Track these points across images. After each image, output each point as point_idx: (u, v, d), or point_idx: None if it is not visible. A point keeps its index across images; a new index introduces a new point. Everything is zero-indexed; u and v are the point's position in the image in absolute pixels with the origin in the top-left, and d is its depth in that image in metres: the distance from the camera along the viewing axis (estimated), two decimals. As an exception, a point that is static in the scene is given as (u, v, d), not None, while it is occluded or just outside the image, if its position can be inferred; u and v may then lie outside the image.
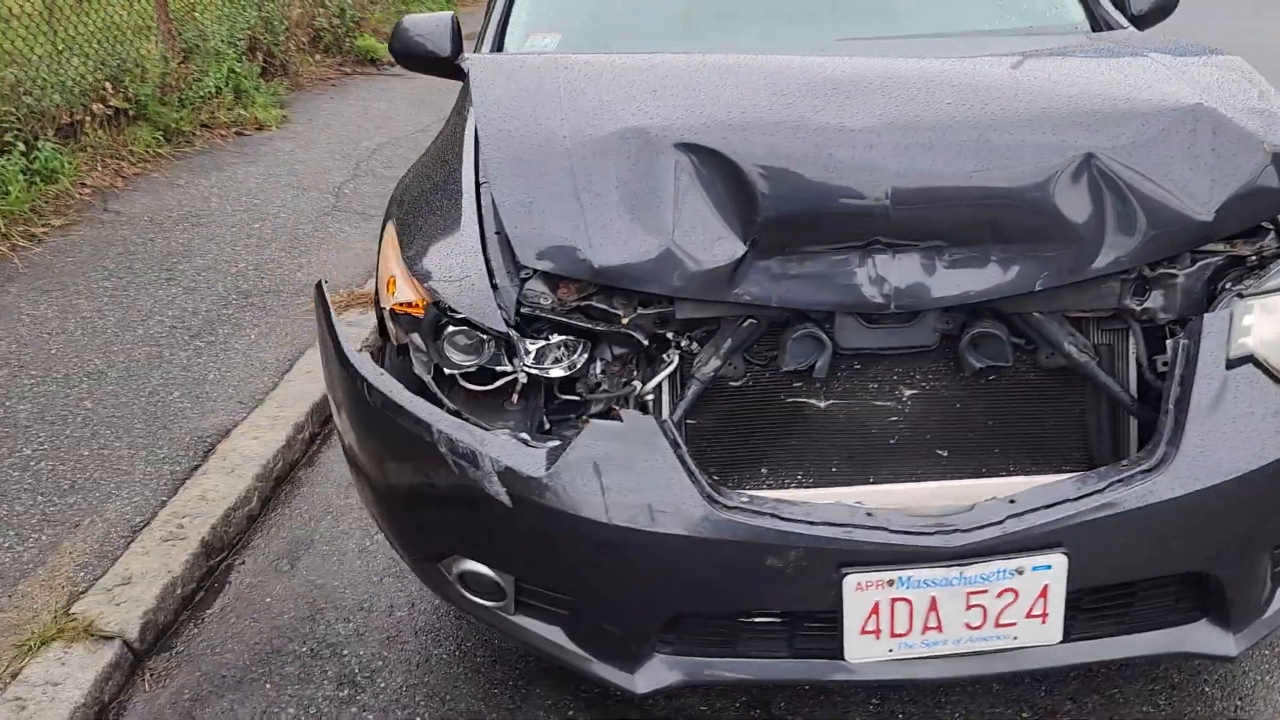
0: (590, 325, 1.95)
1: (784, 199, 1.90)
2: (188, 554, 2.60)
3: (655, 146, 1.94)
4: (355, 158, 5.78)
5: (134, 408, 3.28)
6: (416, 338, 2.00)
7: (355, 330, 3.78)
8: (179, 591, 2.54)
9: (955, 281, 1.90)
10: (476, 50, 3.01)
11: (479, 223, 2.05)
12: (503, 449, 1.77)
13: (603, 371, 2.00)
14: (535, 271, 1.95)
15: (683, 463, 1.72)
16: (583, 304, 1.96)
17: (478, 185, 2.15)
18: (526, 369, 1.94)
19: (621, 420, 1.77)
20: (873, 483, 1.99)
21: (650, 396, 1.99)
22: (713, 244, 1.91)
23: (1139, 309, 1.93)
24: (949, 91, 2.00)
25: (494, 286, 1.93)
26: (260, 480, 2.95)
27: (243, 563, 2.71)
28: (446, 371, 1.96)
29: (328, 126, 6.41)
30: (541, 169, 1.97)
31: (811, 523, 1.69)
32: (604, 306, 1.96)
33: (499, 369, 1.95)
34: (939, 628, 1.72)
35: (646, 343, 1.97)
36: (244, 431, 3.15)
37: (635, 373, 2.01)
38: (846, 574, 1.68)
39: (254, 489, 2.91)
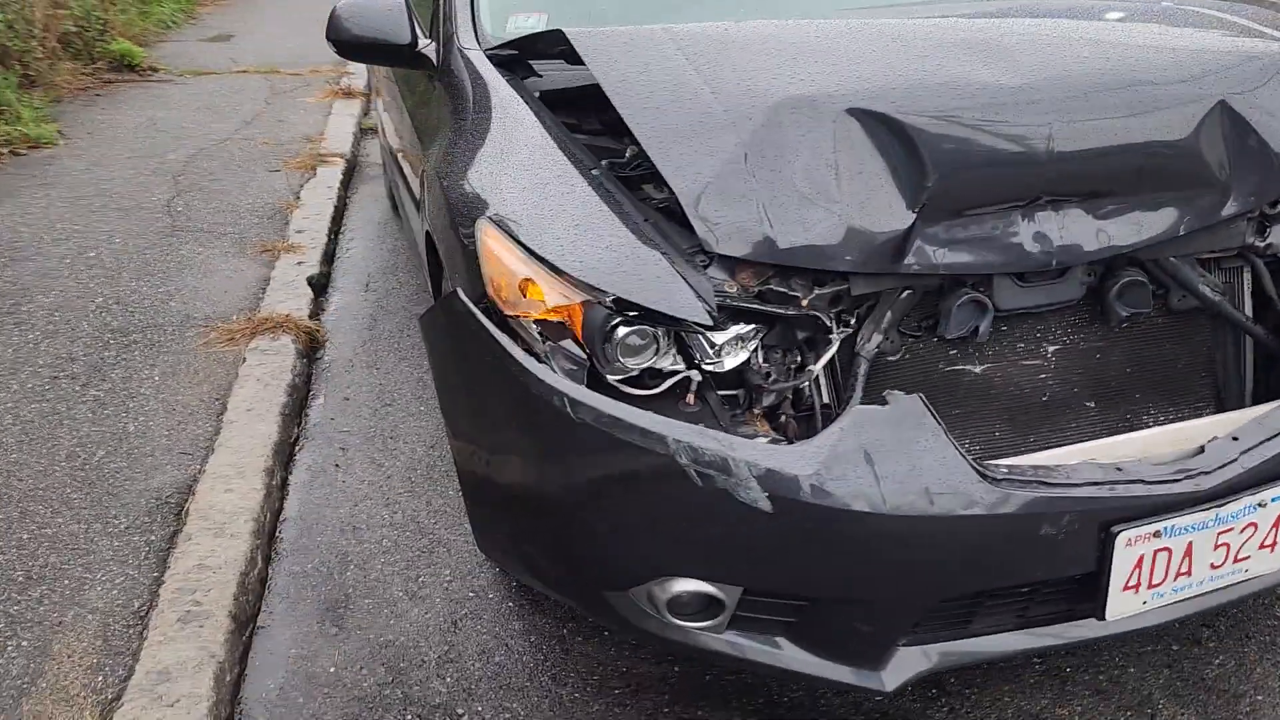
0: (778, 310, 1.81)
1: (953, 161, 1.85)
2: (221, 632, 2.21)
3: (823, 114, 1.83)
4: (169, 172, 5.15)
5: (57, 475, 2.75)
6: (570, 344, 1.79)
7: (275, 360, 3.37)
8: (228, 677, 2.15)
9: (1109, 232, 1.92)
10: (440, 36, 2.74)
11: (618, 209, 1.86)
12: (759, 451, 1.61)
13: (766, 360, 1.87)
14: (713, 257, 1.80)
15: (952, 441, 1.63)
16: (763, 288, 1.82)
17: (584, 170, 1.96)
18: (705, 364, 1.78)
19: (886, 403, 1.66)
20: (1034, 443, 1.99)
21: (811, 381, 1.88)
22: (886, 214, 1.83)
23: (1263, 245, 2.04)
24: (1084, 47, 2.03)
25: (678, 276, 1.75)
26: (257, 537, 2.55)
27: (278, 635, 2.34)
28: (611, 379, 1.77)
29: (116, 140, 5.67)
30: (709, 146, 1.81)
31: (1077, 484, 1.66)
32: (783, 289, 1.83)
33: (667, 369, 1.79)
34: (1189, 572, 1.74)
35: (830, 324, 1.85)
36: (210, 486, 2.71)
37: (798, 357, 1.90)
38: (1120, 530, 1.66)
39: (255, 548, 2.51)
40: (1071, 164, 1.88)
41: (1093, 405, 2.05)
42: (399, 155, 3.64)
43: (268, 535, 2.63)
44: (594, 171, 1.99)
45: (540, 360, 1.79)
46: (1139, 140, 1.92)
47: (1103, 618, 1.74)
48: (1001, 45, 2.02)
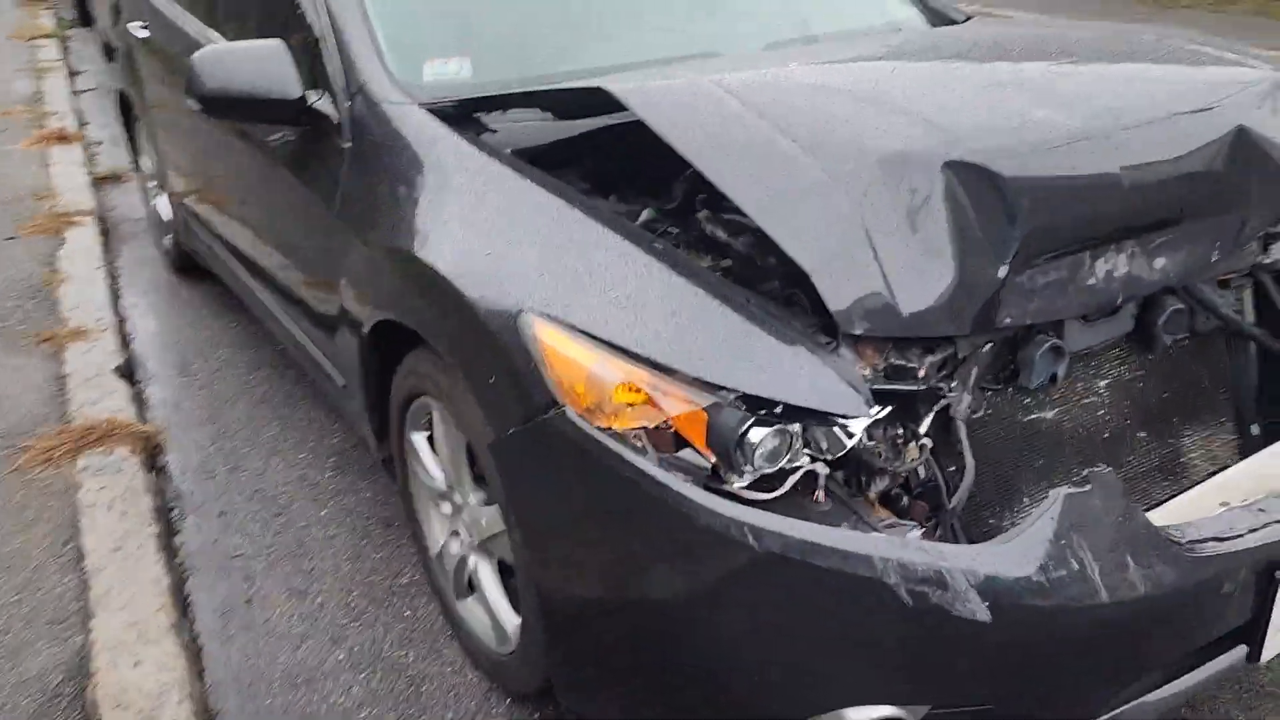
0: (909, 387, 1.64)
1: (1037, 208, 1.76)
2: None
3: (925, 169, 1.68)
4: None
5: (-113, 685, 2.09)
6: (689, 454, 1.54)
7: (118, 479, 2.78)
8: None
9: (1159, 264, 1.92)
10: (337, 89, 2.33)
11: (712, 289, 1.62)
12: (974, 558, 1.44)
13: (871, 438, 1.70)
14: (839, 337, 1.60)
15: (1143, 512, 1.54)
16: (886, 365, 1.65)
17: (643, 243, 1.70)
18: (830, 455, 1.59)
19: (1088, 482, 1.52)
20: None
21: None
22: (987, 269, 1.71)
23: (1269, 262, 2.11)
24: (1114, 82, 2.00)
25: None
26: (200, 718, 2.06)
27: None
28: (736, 486, 1.54)
29: None
30: (822, 214, 1.60)
31: (1243, 534, 1.62)
32: (901, 362, 1.67)
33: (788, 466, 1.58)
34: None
35: (945, 391, 1.71)
36: (112, 660, 2.16)
37: (899, 431, 1.74)
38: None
39: (204, 733, 2.02)
40: (1133, 200, 1.85)
41: (1144, 435, 2.05)
42: (235, 224, 3.12)
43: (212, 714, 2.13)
44: (656, 245, 1.73)
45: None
46: (1181, 172, 1.91)
47: (1258, 660, 1.72)
48: (1040, 82, 1.96)
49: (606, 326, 1.61)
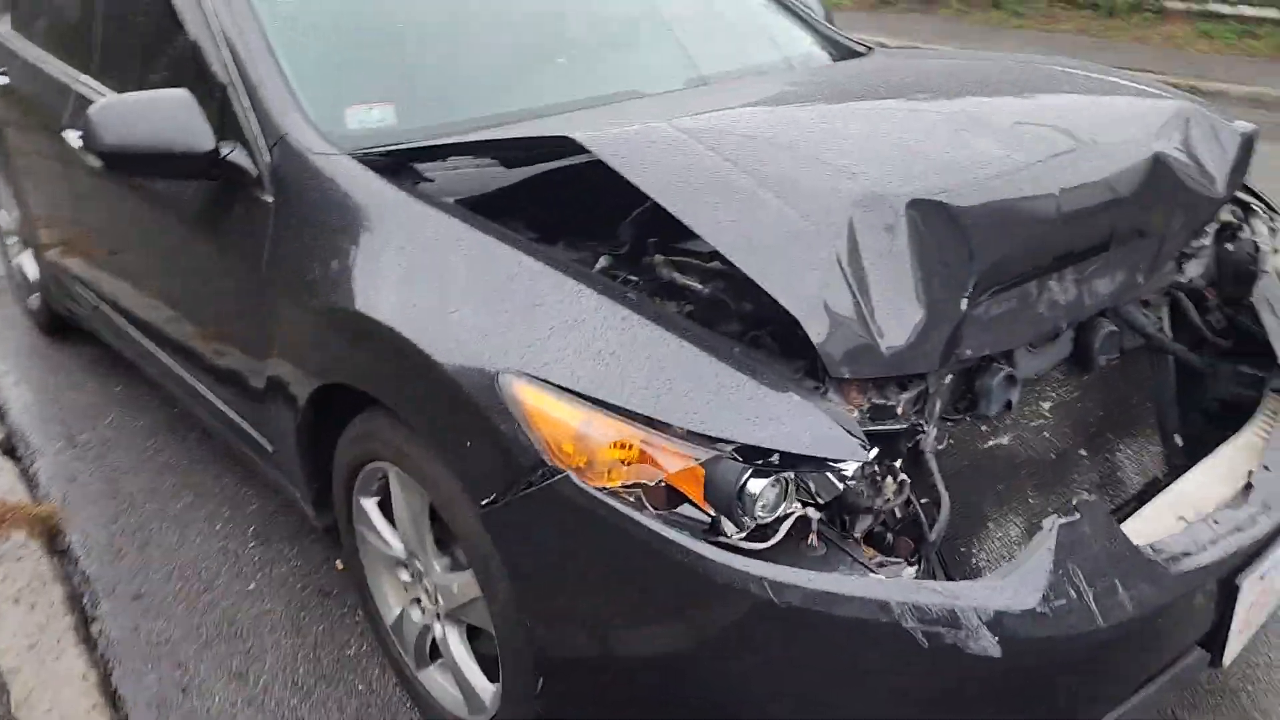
0: (895, 426, 1.67)
1: (993, 242, 1.83)
2: None
3: (893, 210, 1.71)
4: None
5: None
6: (689, 509, 1.53)
7: (23, 568, 2.58)
8: None
9: (1095, 289, 2.02)
10: (253, 139, 2.23)
11: (694, 338, 1.61)
12: (983, 594, 1.46)
13: (855, 475, 1.73)
14: (827, 381, 1.61)
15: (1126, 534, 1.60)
16: (870, 405, 1.67)
17: (617, 295, 1.68)
18: (822, 497, 1.60)
19: (1077, 510, 1.57)
20: (1055, 504, 2.03)
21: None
22: (951, 304, 1.77)
23: (1186, 281, 2.24)
24: (1041, 115, 2.08)
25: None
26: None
27: None
28: (734, 539, 1.53)
29: None
30: (805, 259, 1.61)
31: (1210, 545, 1.71)
32: (881, 401, 1.70)
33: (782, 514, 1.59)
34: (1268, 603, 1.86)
35: (925, 427, 1.75)
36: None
37: (874, 468, 1.77)
38: (1242, 580, 1.73)
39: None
40: (1072, 228, 1.94)
41: (1084, 454, 2.14)
42: (125, 283, 2.94)
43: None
44: (629, 295, 1.71)
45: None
46: (1111, 199, 2.01)
47: (1219, 664, 1.81)
48: (979, 117, 2.03)
49: (591, 383, 1.58)
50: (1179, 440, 2.31)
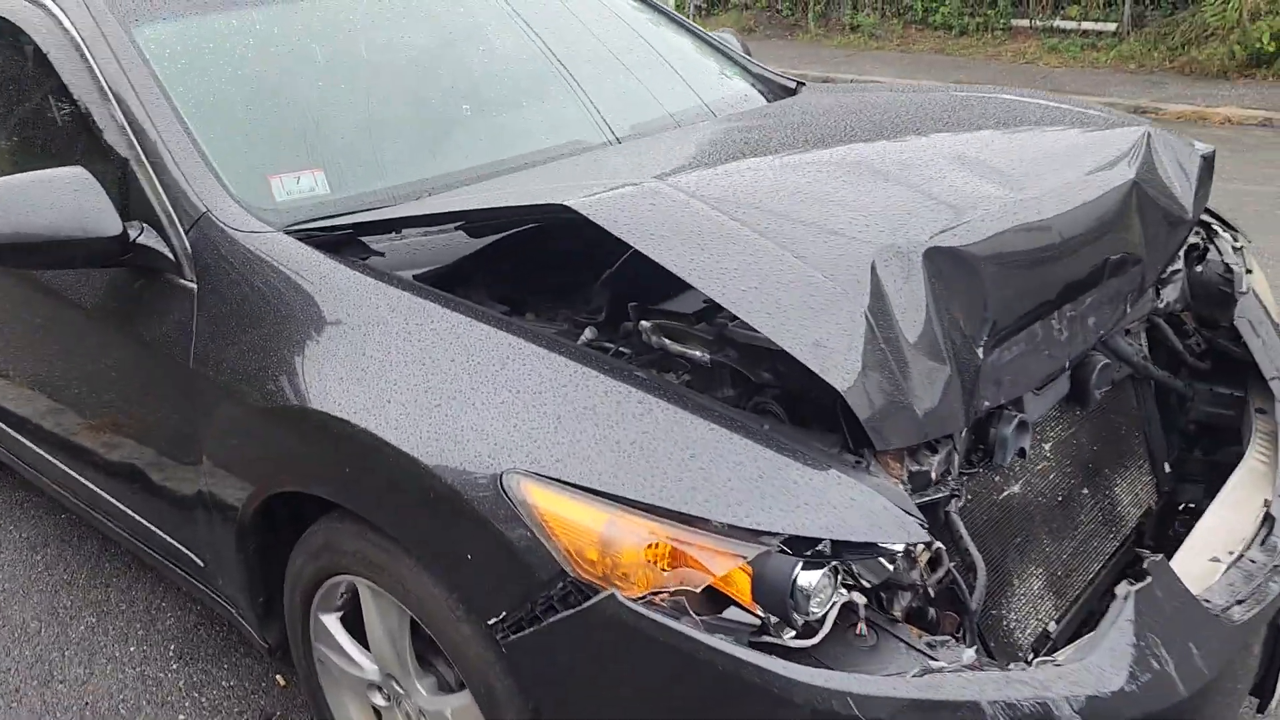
0: (938, 495, 1.54)
1: (1006, 283, 1.74)
2: None
3: (912, 262, 1.59)
4: None
5: None
6: (735, 611, 1.37)
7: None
8: None
9: (1090, 324, 1.95)
10: (165, 219, 1.97)
11: (720, 419, 1.45)
12: (1071, 680, 1.34)
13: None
14: (865, 454, 1.48)
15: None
16: (909, 472, 1.54)
17: (624, 375, 1.51)
18: (866, 580, 1.47)
19: (1147, 574, 1.46)
20: (1069, 548, 1.96)
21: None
22: (970, 356, 1.66)
23: (1163, 306, 2.20)
24: (1023, 151, 2.01)
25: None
26: None
27: None
28: (779, 639, 1.38)
29: None
30: (836, 325, 1.46)
31: (1259, 587, 1.63)
32: (916, 467, 1.57)
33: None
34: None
35: (957, 490, 1.63)
36: None
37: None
38: (1284, 621, 1.67)
39: None
40: (1071, 263, 1.87)
41: (1087, 492, 2.06)
42: (10, 380, 2.60)
43: None
44: (638, 374, 1.54)
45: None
46: (1101, 228, 1.95)
47: (1266, 709, 1.74)
48: (964, 156, 1.93)
49: (614, 479, 1.40)
50: (1167, 467, 2.27)
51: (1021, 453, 1.80)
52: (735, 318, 1.53)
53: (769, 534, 1.36)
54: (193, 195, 1.96)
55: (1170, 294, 2.22)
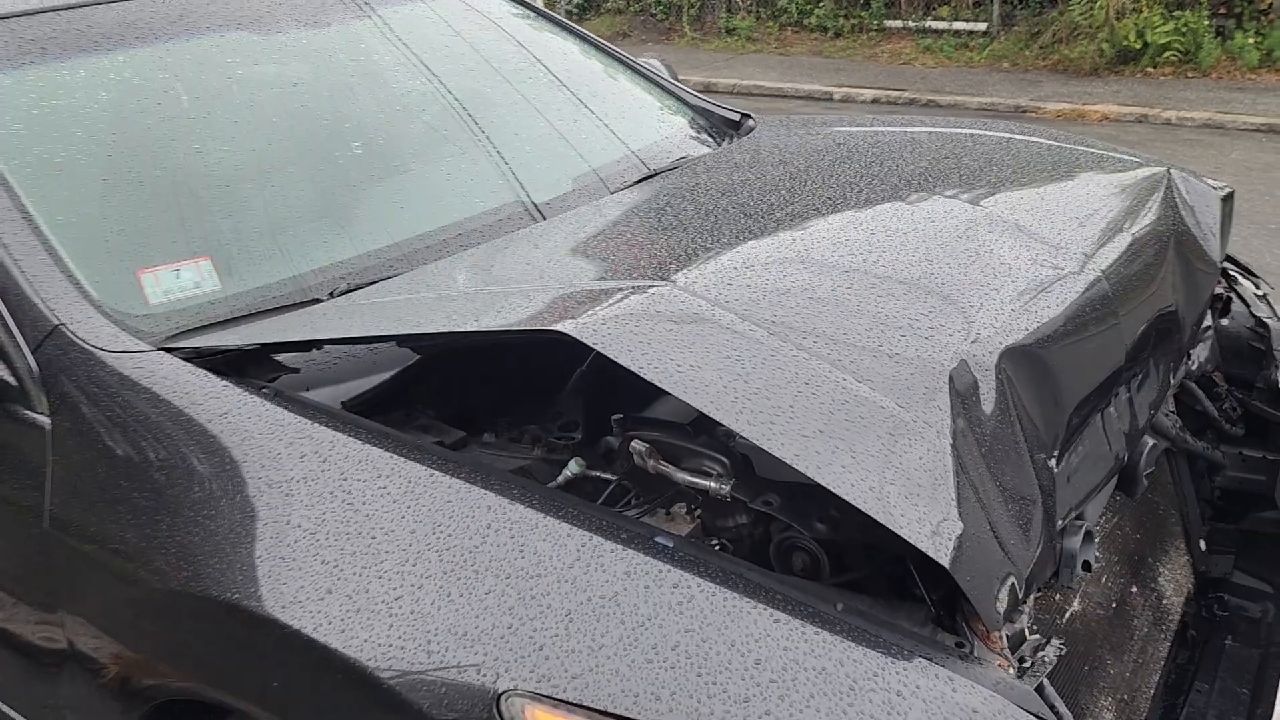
0: (1044, 673, 1.23)
1: (1075, 376, 1.46)
2: None
3: (983, 369, 1.28)
4: None
5: None
6: None
7: None
8: None
9: (1140, 401, 1.70)
10: (4, 344, 1.51)
11: (785, 605, 1.11)
12: None
13: None
14: (970, 638, 1.16)
15: None
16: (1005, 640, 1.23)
17: (658, 551, 1.15)
18: None
19: None
20: (1130, 663, 1.69)
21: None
22: (1048, 473, 1.37)
23: (1194, 368, 1.96)
24: (1057, 206, 1.74)
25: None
26: None
27: None
28: None
29: None
30: (923, 474, 1.13)
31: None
32: (1011, 628, 1.26)
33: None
34: None
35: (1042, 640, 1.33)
36: None
37: None
38: None
39: None
40: (1126, 337, 1.60)
41: (1135, 591, 1.81)
42: None
43: None
44: (663, 542, 1.18)
45: None
46: (1147, 292, 1.69)
47: None
48: (996, 218, 1.63)
49: (657, 700, 1.04)
50: (1203, 544, 2.04)
51: (1087, 566, 1.52)
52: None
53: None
54: (39, 303, 1.51)
55: (1201, 353, 1.98)
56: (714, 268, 1.40)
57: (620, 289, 1.28)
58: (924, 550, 1.07)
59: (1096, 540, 1.71)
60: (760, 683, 1.04)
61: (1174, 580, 1.92)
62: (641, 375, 1.13)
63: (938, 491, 1.13)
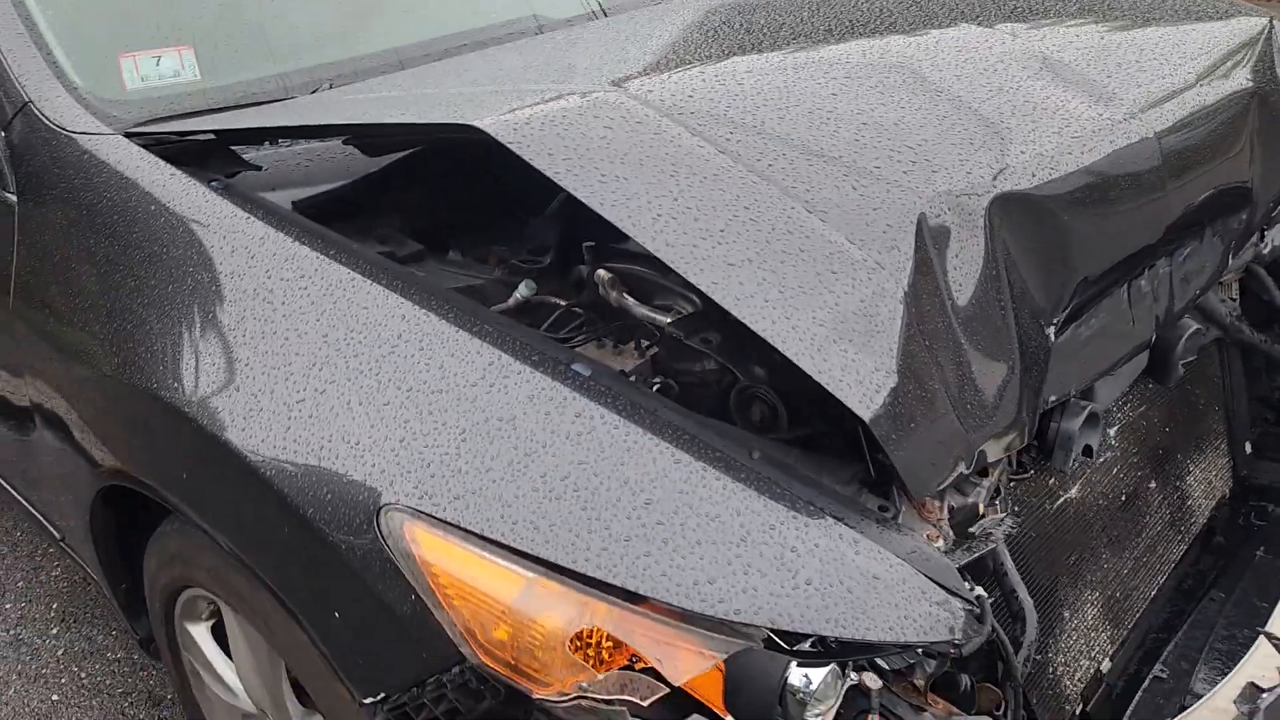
0: (988, 548, 1.13)
1: (1094, 240, 1.29)
2: None
3: (969, 214, 1.13)
4: None
5: None
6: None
7: None
8: None
9: (1185, 277, 1.52)
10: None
11: (692, 447, 1.02)
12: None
13: None
14: (897, 502, 1.05)
15: None
16: (953, 521, 1.13)
17: (560, 372, 1.07)
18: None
19: None
20: (1130, 561, 1.56)
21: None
22: (1039, 339, 1.22)
23: (1266, 252, 1.75)
24: (1117, 50, 1.52)
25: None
26: None
27: None
28: None
29: None
30: (868, 319, 1.02)
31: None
32: (961, 500, 1.16)
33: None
34: None
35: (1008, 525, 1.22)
36: None
37: None
38: None
39: None
40: (1174, 208, 1.42)
41: (1154, 486, 1.66)
42: None
43: None
44: (578, 368, 1.09)
45: None
46: (1211, 159, 1.49)
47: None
48: (1049, 56, 1.44)
49: (536, 531, 0.98)
50: (1248, 447, 1.86)
51: (1088, 451, 1.38)
52: None
53: (748, 626, 0.95)
54: (14, 78, 1.47)
55: (1276, 236, 1.76)
56: (680, 79, 1.26)
57: (562, 92, 1.16)
58: (840, 397, 0.96)
59: (1107, 426, 1.57)
60: (645, 523, 0.96)
61: (1206, 481, 1.76)
62: (556, 180, 1.03)
63: (875, 339, 1.01)
